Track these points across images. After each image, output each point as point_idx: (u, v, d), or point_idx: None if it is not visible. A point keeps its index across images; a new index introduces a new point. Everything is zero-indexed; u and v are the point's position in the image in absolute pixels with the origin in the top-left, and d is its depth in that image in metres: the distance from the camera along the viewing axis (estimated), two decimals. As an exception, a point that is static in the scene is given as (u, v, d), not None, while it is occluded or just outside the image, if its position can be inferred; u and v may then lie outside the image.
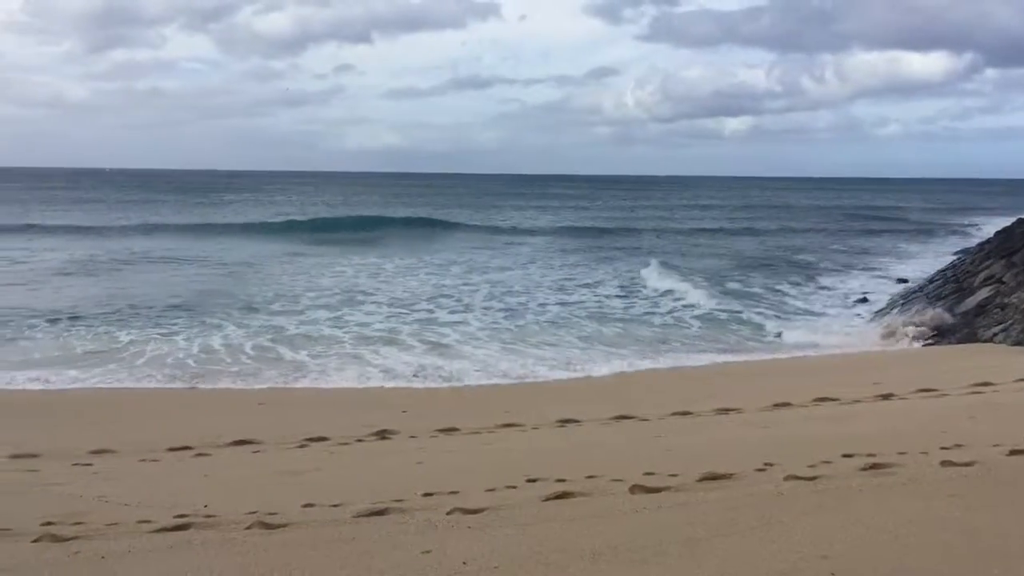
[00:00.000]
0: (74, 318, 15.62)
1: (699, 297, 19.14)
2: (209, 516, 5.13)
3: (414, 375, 11.83)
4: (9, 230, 35.34)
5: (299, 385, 11.21)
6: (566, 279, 22.85)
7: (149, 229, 37.34)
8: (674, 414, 8.65)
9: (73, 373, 11.42)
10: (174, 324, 15.18)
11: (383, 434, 7.96)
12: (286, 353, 12.98)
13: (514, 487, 5.64)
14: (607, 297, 19.43)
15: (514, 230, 40.46)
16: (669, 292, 20.21)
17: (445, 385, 11.22)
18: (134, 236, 35.08)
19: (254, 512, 5.12)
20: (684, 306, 18.38)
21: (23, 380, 11.02)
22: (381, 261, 26.71)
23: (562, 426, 8.28)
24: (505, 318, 16.47)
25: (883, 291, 21.02)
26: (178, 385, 11.06)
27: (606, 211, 60.25)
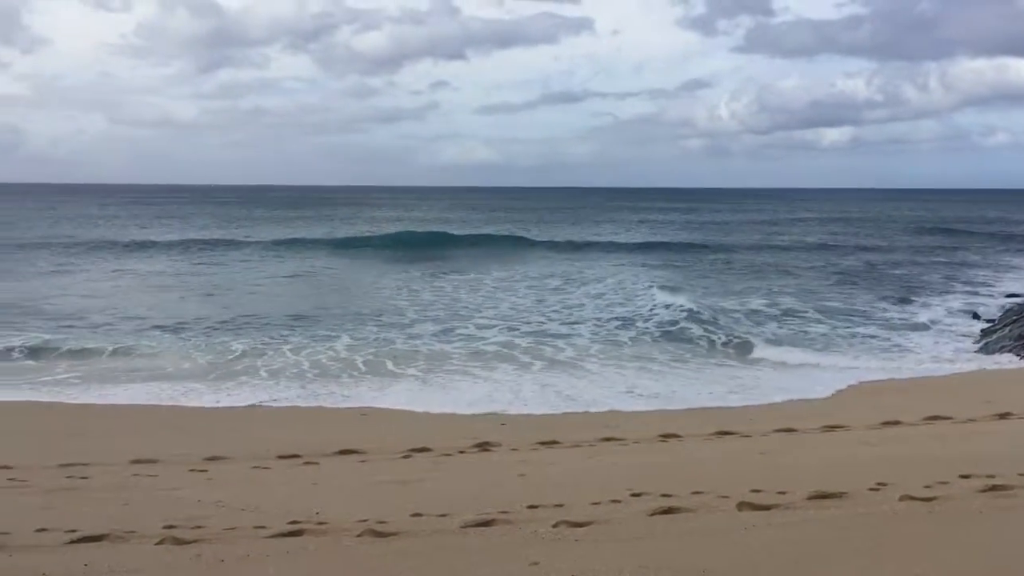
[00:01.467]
0: (186, 327, 16.28)
1: (801, 312, 18.73)
2: (321, 523, 5.27)
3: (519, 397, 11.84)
4: (126, 246, 36.74)
5: (400, 397, 11.36)
6: (657, 299, 22.07)
7: (258, 244, 38.18)
8: (777, 431, 8.49)
9: (194, 384, 11.82)
10: (287, 335, 15.58)
11: (484, 446, 8.04)
12: (391, 366, 13.19)
13: (618, 501, 5.63)
14: (699, 315, 18.88)
15: (611, 245, 39.95)
16: (771, 306, 19.83)
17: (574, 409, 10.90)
18: (245, 249, 35.98)
19: (365, 520, 5.24)
20: (782, 316, 18.02)
21: (145, 393, 11.44)
22: (481, 276, 26.46)
23: (664, 441, 8.22)
24: (611, 332, 16.28)
25: (992, 305, 20.21)
26: (285, 396, 11.35)
27: (701, 224, 59.18)
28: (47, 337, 14.90)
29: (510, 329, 16.57)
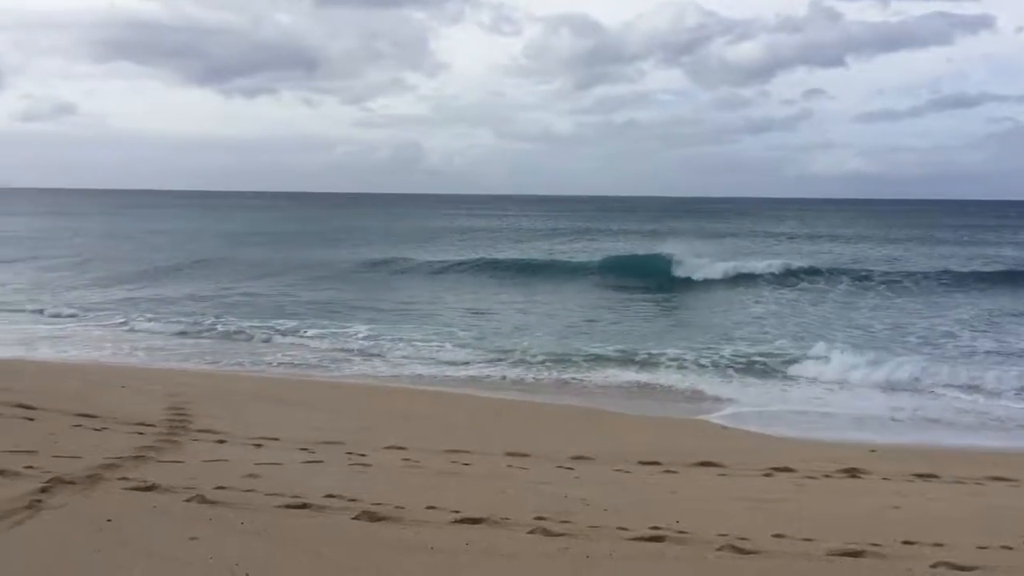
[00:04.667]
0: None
1: None
2: (681, 532, 5.32)
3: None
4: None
5: (757, 414, 11.13)
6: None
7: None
8: None
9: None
10: (676, 346, 15.67)
11: (853, 472, 7.61)
12: (758, 383, 12.99)
13: (1010, 548, 5.08)
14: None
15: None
16: None
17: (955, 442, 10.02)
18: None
19: (725, 535, 5.21)
20: None
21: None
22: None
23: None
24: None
25: None
26: (659, 404, 11.60)
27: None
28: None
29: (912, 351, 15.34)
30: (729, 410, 11.24)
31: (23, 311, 19.75)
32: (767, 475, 7.51)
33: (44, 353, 14.35)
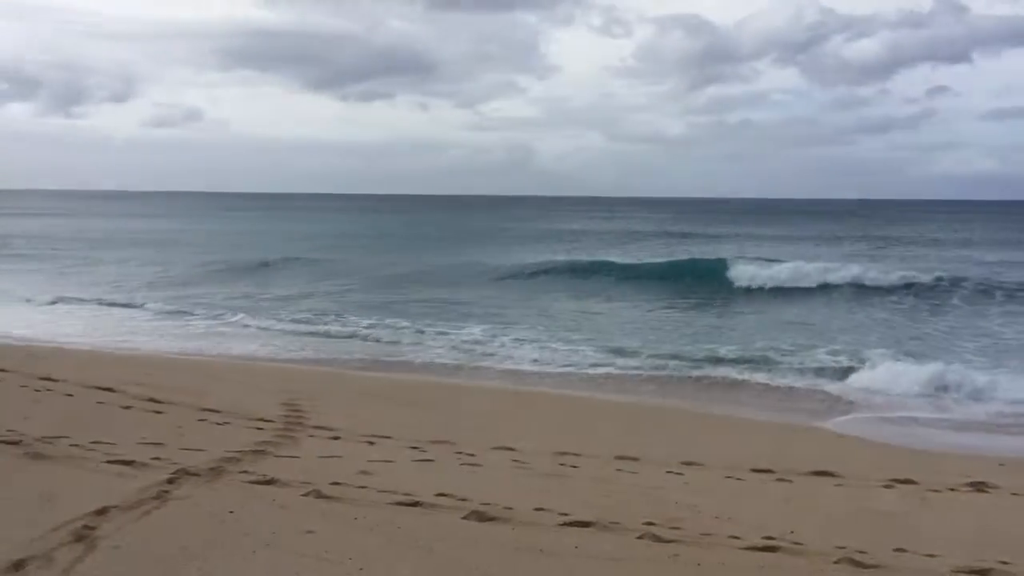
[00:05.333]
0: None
1: None
2: (796, 543, 5.18)
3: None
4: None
5: (881, 422, 10.74)
6: None
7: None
8: None
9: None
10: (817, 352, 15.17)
11: (979, 486, 7.26)
12: (876, 390, 12.55)
13: None
14: None
15: None
16: None
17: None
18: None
19: (842, 547, 5.05)
20: None
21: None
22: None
23: None
24: None
25: None
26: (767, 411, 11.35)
27: None
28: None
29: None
30: (846, 417, 10.90)
31: (143, 308, 20.70)
32: (887, 487, 7.24)
33: (170, 348, 15.01)
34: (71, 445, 6.73)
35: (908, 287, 24.54)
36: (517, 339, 16.49)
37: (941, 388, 12.61)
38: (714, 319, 20.36)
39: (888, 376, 13.18)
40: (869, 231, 62.03)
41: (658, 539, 5.17)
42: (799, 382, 13.03)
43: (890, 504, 6.59)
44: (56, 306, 21.00)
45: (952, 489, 7.21)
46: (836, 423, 10.54)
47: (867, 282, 25.06)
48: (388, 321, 18.43)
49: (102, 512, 5.09)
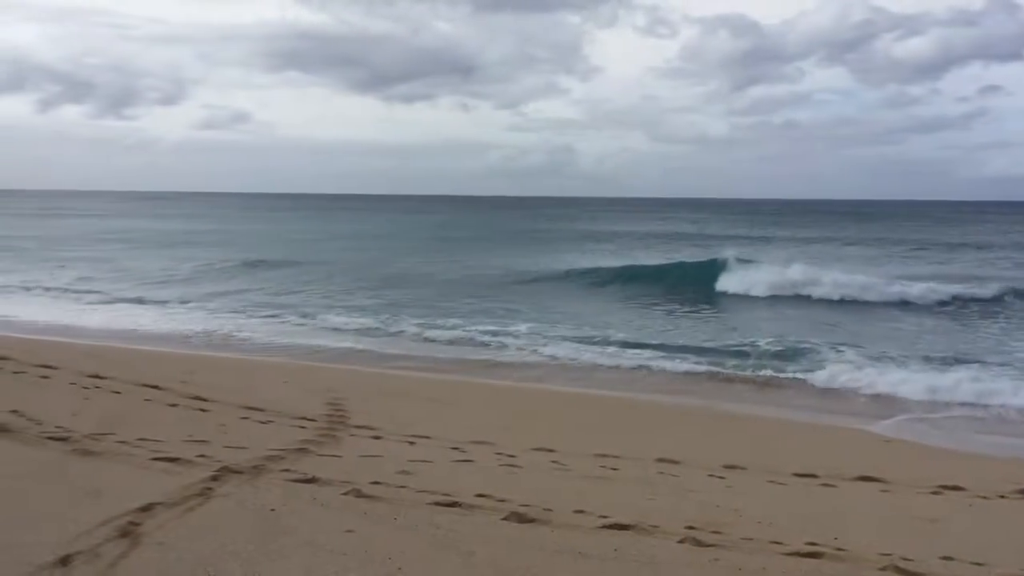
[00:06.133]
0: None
1: None
2: (840, 549, 5.10)
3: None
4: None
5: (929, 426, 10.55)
6: None
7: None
8: None
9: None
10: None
11: (1029, 493, 7.10)
12: (922, 393, 12.32)
13: None
14: None
15: None
16: None
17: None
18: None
19: (888, 554, 4.97)
20: None
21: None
22: None
23: None
24: None
25: None
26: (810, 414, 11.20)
27: None
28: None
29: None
30: (891, 420, 10.72)
31: (187, 306, 21.02)
32: (935, 493, 7.11)
33: (214, 347, 15.22)
34: (118, 442, 6.84)
35: (958, 297, 24.00)
36: (556, 337, 16.54)
37: (989, 393, 12.37)
38: (753, 320, 20.17)
39: (936, 380, 12.95)
40: (922, 235, 61.00)
41: (699, 543, 5.12)
42: (843, 384, 12.86)
43: (937, 511, 6.47)
44: (116, 305, 21.46)
45: (1001, 496, 7.06)
46: (881, 426, 10.38)
47: (920, 295, 24.33)
48: (433, 321, 18.54)
49: (147, 508, 5.16)
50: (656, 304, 22.93)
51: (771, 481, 7.28)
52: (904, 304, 23.31)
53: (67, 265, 32.45)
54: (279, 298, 23.26)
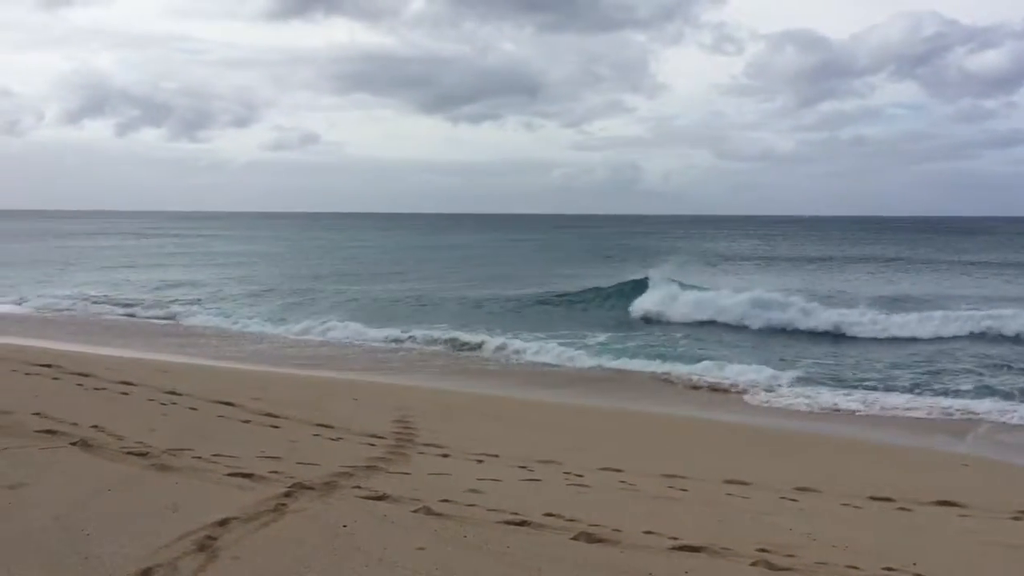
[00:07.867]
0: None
1: None
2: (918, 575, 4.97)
3: None
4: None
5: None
6: None
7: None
8: None
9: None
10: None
11: (1118, 520, 6.82)
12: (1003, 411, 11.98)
13: None
14: None
15: None
16: None
17: None
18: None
19: (969, 582, 4.83)
20: None
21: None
22: None
23: None
24: None
25: None
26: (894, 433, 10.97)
27: None
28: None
29: None
30: (970, 443, 10.42)
31: (261, 328, 21.45)
32: (1016, 519, 6.89)
33: (285, 364, 15.51)
34: (194, 457, 7.00)
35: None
36: (621, 353, 16.51)
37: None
38: (819, 348, 19.83)
39: (1014, 402, 12.57)
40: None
41: (772, 567, 5.04)
42: (922, 406, 12.54)
43: (1019, 537, 6.26)
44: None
45: (1088, 523, 6.80)
46: (960, 449, 10.09)
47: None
48: (504, 338, 18.65)
49: (223, 523, 5.27)
50: (726, 327, 22.72)
51: (846, 505, 7.13)
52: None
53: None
54: (353, 312, 23.60)
